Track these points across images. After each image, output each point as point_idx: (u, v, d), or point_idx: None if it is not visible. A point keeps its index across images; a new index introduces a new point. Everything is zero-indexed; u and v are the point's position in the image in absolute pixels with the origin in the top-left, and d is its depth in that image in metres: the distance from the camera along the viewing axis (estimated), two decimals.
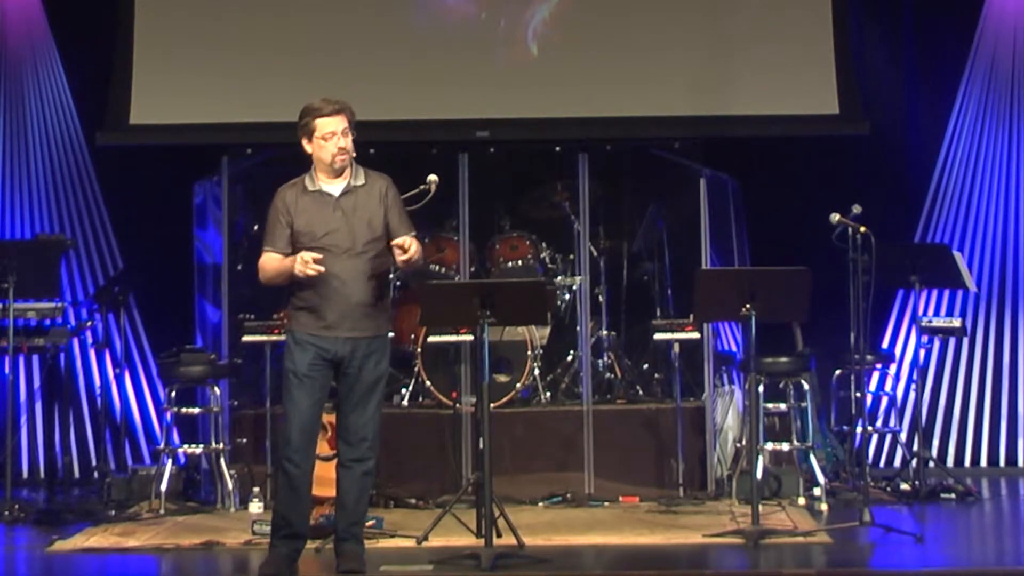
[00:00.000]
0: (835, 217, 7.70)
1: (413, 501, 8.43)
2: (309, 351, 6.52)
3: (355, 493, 6.63)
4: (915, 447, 8.85)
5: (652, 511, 8.29)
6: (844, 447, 9.08)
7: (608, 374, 9.25)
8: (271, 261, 6.57)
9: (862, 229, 7.63)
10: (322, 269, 6.40)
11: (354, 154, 6.61)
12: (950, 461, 9.91)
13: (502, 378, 8.80)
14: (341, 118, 6.53)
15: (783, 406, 8.77)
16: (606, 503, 8.51)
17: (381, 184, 6.66)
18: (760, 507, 7.45)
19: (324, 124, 6.52)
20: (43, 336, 8.77)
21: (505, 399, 8.79)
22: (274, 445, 7.97)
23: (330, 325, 6.51)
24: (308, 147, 6.60)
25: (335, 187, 6.60)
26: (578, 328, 9.09)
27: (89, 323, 9.20)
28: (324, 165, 6.57)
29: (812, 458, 8.57)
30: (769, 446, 8.61)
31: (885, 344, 9.87)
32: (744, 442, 8.59)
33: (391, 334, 9.24)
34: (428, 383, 8.86)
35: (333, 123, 6.52)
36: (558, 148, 9.50)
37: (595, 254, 9.38)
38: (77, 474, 9.49)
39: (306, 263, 6.38)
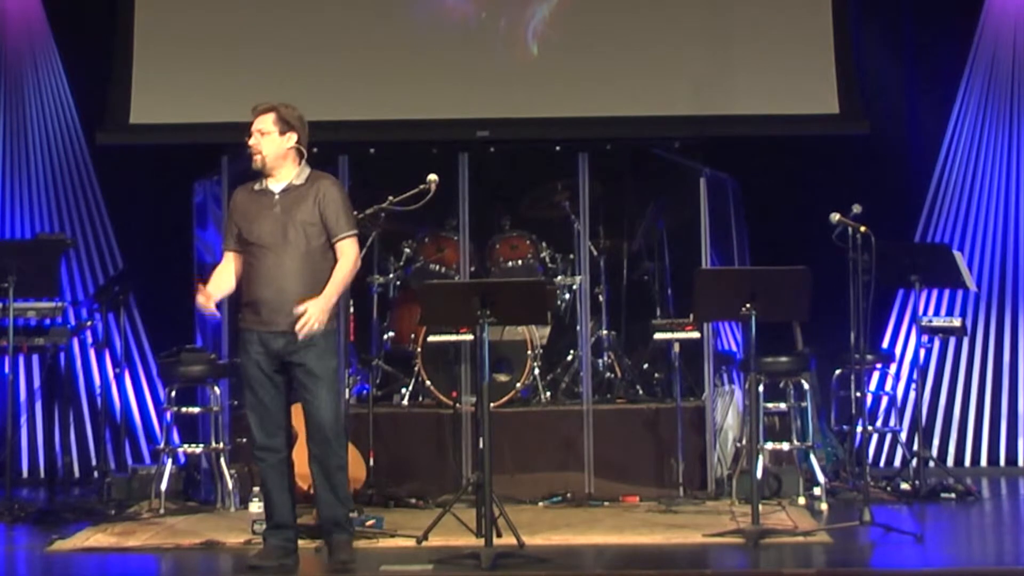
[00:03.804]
0: (835, 217, 7.70)
1: (413, 501, 8.43)
2: (255, 346, 6.69)
3: (330, 486, 6.72)
4: (915, 447, 8.85)
5: (652, 511, 8.28)
6: (844, 447, 9.08)
7: (608, 374, 9.24)
8: (217, 270, 6.90)
9: (862, 229, 7.63)
10: (204, 303, 6.71)
11: (265, 153, 6.70)
12: (950, 461, 9.91)
13: (502, 378, 8.80)
14: (262, 118, 6.76)
15: (783, 406, 8.76)
16: (606, 503, 8.51)
17: (321, 183, 6.79)
18: (760, 507, 7.44)
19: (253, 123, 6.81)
20: (43, 336, 8.77)
21: (505, 399, 8.79)
22: None
23: (266, 320, 6.67)
24: None
25: (277, 185, 6.78)
26: (578, 328, 9.08)
27: (89, 323, 9.19)
28: None
29: (812, 458, 8.57)
30: (769, 446, 8.61)
31: (885, 344, 9.87)
32: (744, 442, 8.59)
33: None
34: (428, 383, 8.86)
35: (254, 123, 6.78)
36: (558, 148, 9.50)
37: (595, 254, 9.38)
38: (77, 474, 9.50)
39: (200, 301, 6.74)
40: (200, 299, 6.71)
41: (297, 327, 6.54)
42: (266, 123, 6.73)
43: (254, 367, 6.68)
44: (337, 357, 6.90)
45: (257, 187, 6.81)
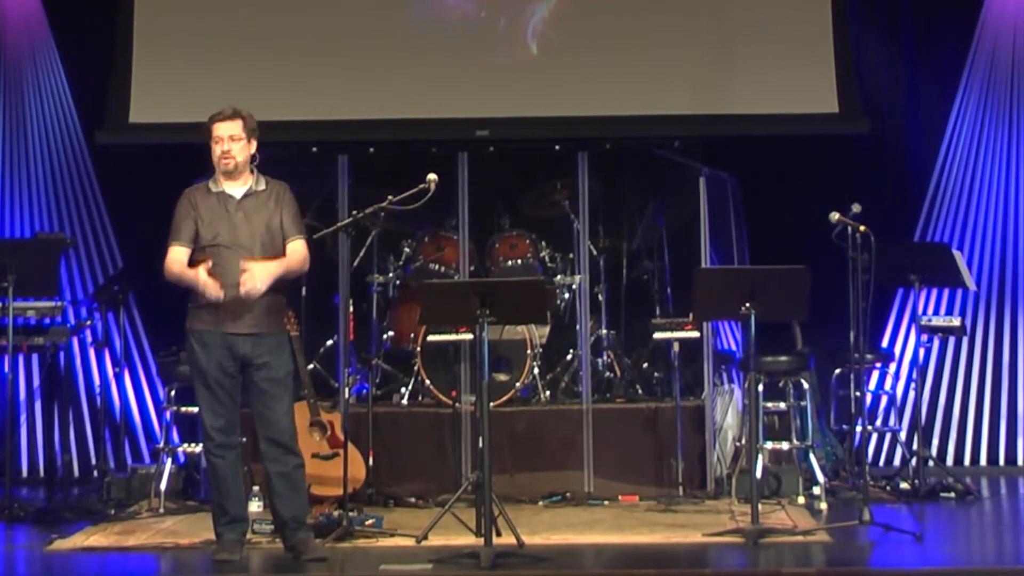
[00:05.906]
0: (835, 216, 7.70)
1: (413, 500, 8.44)
2: (215, 348, 6.81)
3: (292, 485, 6.86)
4: (915, 446, 8.86)
5: (652, 510, 8.29)
6: (844, 446, 9.08)
7: (608, 373, 9.24)
8: (177, 262, 6.87)
9: (862, 228, 7.63)
10: (220, 295, 6.73)
11: (239, 159, 6.87)
12: (950, 460, 9.91)
13: (502, 377, 8.80)
14: (232, 124, 6.89)
15: (783, 405, 8.77)
16: (606, 502, 8.52)
17: (278, 189, 7.00)
18: (760, 506, 7.45)
19: (216, 128, 6.90)
20: (43, 335, 8.77)
21: (505, 398, 8.79)
22: None
23: (233, 322, 6.78)
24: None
25: (237, 190, 6.92)
26: (577, 327, 9.09)
27: (89, 322, 9.19)
28: (216, 167, 6.92)
29: (812, 457, 8.57)
30: (769, 445, 8.61)
31: (885, 343, 9.87)
32: (744, 441, 8.59)
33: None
34: (428, 382, 8.86)
35: (222, 128, 6.89)
36: (558, 147, 9.50)
37: (595, 253, 9.38)
38: (77, 473, 9.48)
39: (206, 284, 6.74)
40: (213, 287, 6.75)
41: (241, 281, 6.70)
42: (236, 129, 6.88)
43: (216, 368, 6.81)
44: (293, 363, 7.08)
45: (214, 189, 6.93)
